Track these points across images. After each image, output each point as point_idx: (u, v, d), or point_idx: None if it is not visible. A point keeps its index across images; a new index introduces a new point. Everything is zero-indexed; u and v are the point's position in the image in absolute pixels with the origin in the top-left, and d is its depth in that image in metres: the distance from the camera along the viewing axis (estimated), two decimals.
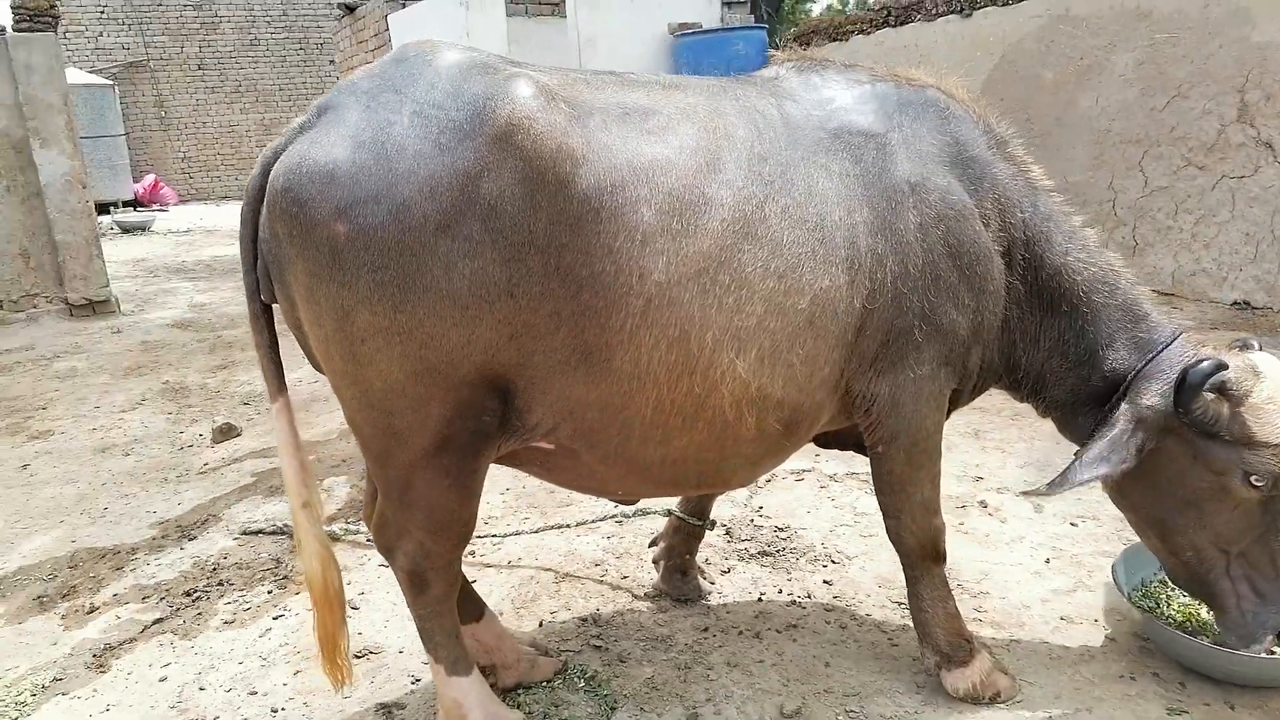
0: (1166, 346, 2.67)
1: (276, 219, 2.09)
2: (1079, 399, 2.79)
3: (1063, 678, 2.85)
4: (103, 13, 24.05)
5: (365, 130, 2.06)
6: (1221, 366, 2.46)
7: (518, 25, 10.75)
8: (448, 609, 2.52)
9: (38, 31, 9.85)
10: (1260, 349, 2.73)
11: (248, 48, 25.47)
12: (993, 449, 4.66)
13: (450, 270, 2.03)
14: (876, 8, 9.40)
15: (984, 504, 4.10)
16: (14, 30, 9.86)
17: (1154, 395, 2.57)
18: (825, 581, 3.51)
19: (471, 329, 2.08)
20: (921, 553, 2.73)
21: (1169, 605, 3.05)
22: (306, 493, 2.36)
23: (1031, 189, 2.75)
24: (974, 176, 2.62)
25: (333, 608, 2.39)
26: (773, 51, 2.85)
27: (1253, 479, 2.50)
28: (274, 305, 2.34)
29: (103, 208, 16.25)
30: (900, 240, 2.45)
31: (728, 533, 3.94)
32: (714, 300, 2.20)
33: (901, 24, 9.00)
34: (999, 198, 2.65)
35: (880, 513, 2.78)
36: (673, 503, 3.44)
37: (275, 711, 2.88)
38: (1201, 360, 2.48)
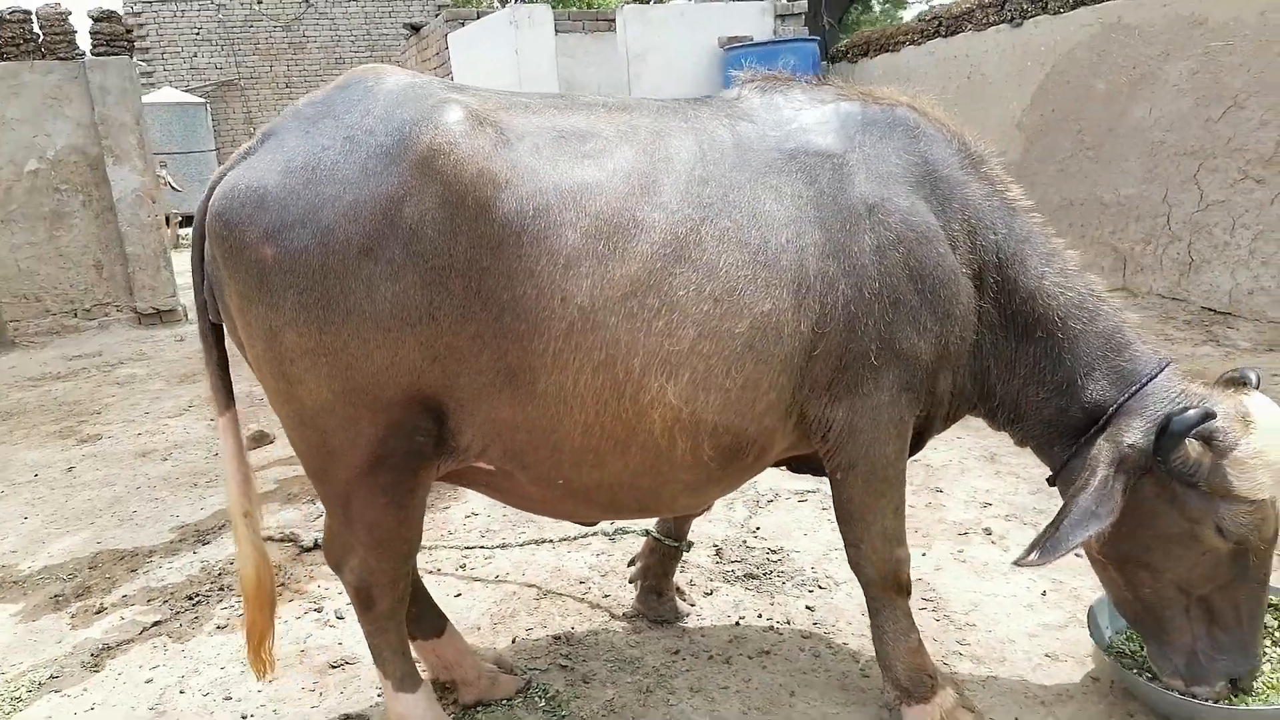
0: (1151, 379, 2.53)
1: (212, 241, 2.17)
2: (1056, 429, 2.66)
3: (1034, 718, 2.72)
4: (197, 34, 25.34)
5: (298, 156, 2.12)
6: (1208, 416, 2.32)
7: (567, 42, 10.90)
8: (395, 625, 2.56)
9: (114, 55, 10.38)
10: (1257, 383, 2.56)
11: (332, 66, 26.46)
12: (1006, 474, 4.49)
13: (372, 293, 2.07)
14: (928, 18, 9.21)
15: (988, 531, 3.95)
16: (92, 54, 10.42)
17: (1136, 433, 2.43)
18: (808, 607, 3.43)
19: (395, 350, 2.11)
20: (883, 584, 2.65)
21: None
22: (247, 503, 2.43)
23: (1007, 209, 2.64)
24: (942, 197, 2.54)
25: (263, 608, 2.47)
26: (734, 72, 2.79)
27: (1224, 532, 2.36)
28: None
29: (189, 219, 17.06)
30: (854, 263, 2.38)
31: (717, 553, 3.89)
32: (642, 324, 2.18)
33: (952, 34, 8.80)
34: (969, 219, 2.56)
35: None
36: (651, 523, 3.42)
37: (245, 718, 2.95)
38: (1188, 408, 2.35)
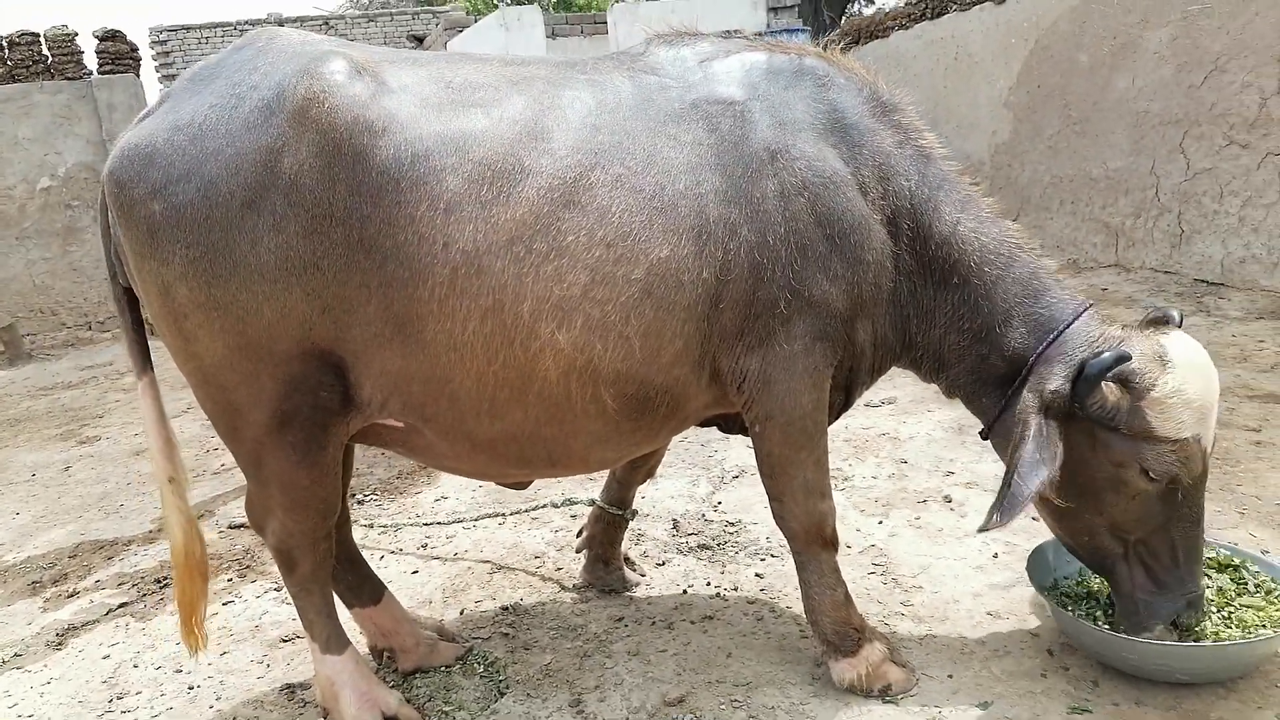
0: (1068, 326, 2.50)
1: (109, 201, 2.24)
2: (981, 379, 2.65)
3: (968, 673, 2.70)
4: (217, 49, 25.78)
5: (185, 114, 2.18)
6: (1123, 359, 2.29)
7: (565, 46, 10.97)
8: (319, 587, 2.60)
9: (119, 73, 10.64)
10: (1180, 322, 2.53)
11: None
12: (972, 444, 4.44)
13: (256, 245, 2.12)
14: (914, 1, 9.16)
15: (948, 498, 3.92)
16: (99, 73, 10.68)
17: (1057, 380, 2.40)
18: (757, 574, 3.43)
19: (283, 302, 2.16)
20: (807, 538, 2.64)
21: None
22: (171, 468, 2.48)
23: (921, 156, 2.63)
24: (852, 144, 2.54)
25: (193, 578, 2.50)
26: (645, 29, 2.82)
27: (1150, 473, 2.33)
28: None
29: None
30: (757, 209, 2.38)
31: (675, 526, 3.90)
32: (530, 269, 2.20)
33: (938, 15, 8.74)
34: (880, 165, 2.55)
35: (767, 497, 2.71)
36: (597, 493, 3.44)
37: (191, 689, 3.01)
38: (1102, 351, 2.33)
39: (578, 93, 2.41)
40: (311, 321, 2.19)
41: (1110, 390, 2.32)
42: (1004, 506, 2.35)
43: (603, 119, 2.35)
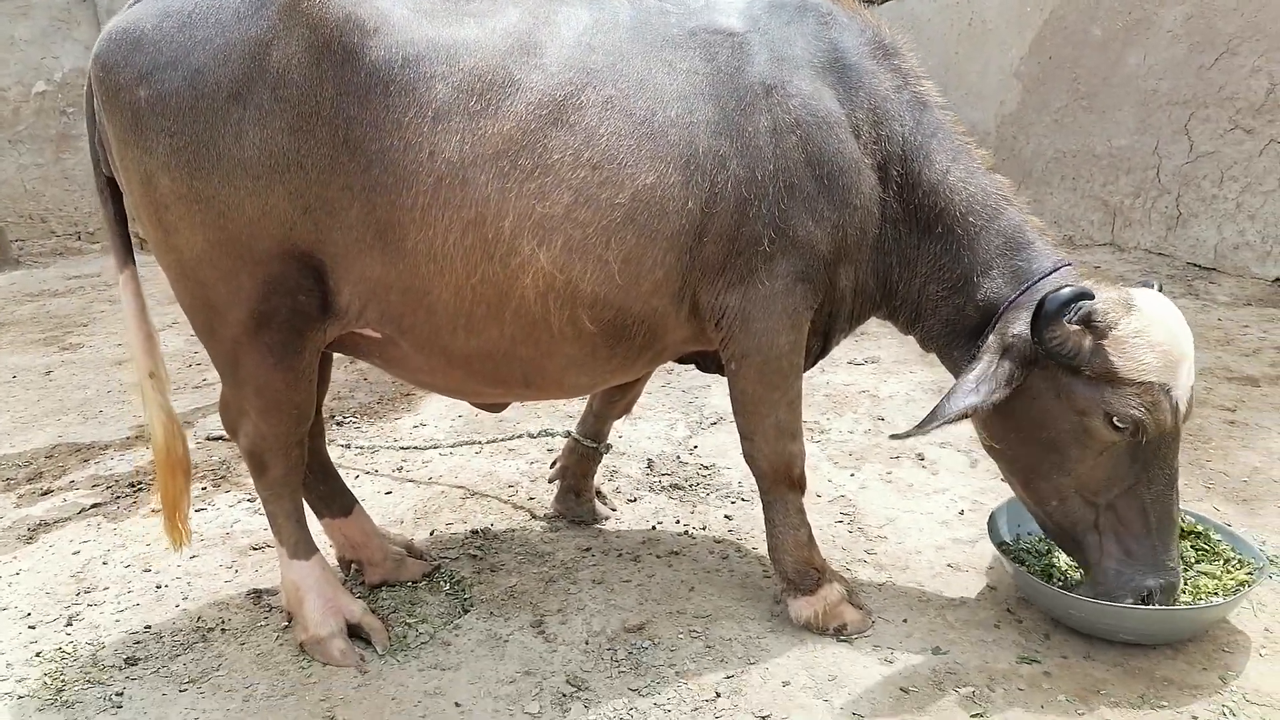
0: (1044, 277, 2.50)
1: (94, 86, 2.21)
2: (955, 330, 2.65)
3: (923, 619, 2.76)
4: None
5: (176, 1, 2.14)
6: (1084, 295, 2.29)
7: None
8: (289, 492, 2.62)
9: None
10: (1159, 289, 2.54)
11: None
12: None
13: (241, 138, 2.10)
14: None
15: (921, 456, 3.97)
16: None
17: (1021, 324, 2.41)
18: (726, 516, 3.47)
19: (265, 199, 2.14)
20: (774, 477, 2.67)
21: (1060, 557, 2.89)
22: (151, 363, 2.49)
23: (917, 103, 2.61)
24: (850, 85, 2.51)
25: (175, 475, 2.53)
26: None
27: (1115, 420, 2.33)
28: None
29: None
30: (748, 144, 2.36)
31: (649, 465, 3.93)
32: (514, 185, 2.19)
33: None
34: (876, 109, 2.53)
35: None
36: (573, 425, 3.46)
37: (159, 588, 3.05)
38: (1063, 287, 2.32)
39: (575, 10, 2.37)
40: (293, 221, 2.17)
41: (1072, 331, 2.31)
42: (924, 420, 2.40)
43: (598, 39, 2.32)
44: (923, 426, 2.39)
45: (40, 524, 3.55)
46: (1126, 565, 2.46)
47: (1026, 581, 2.69)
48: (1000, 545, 2.86)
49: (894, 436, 2.50)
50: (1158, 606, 2.44)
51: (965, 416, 2.38)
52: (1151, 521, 2.44)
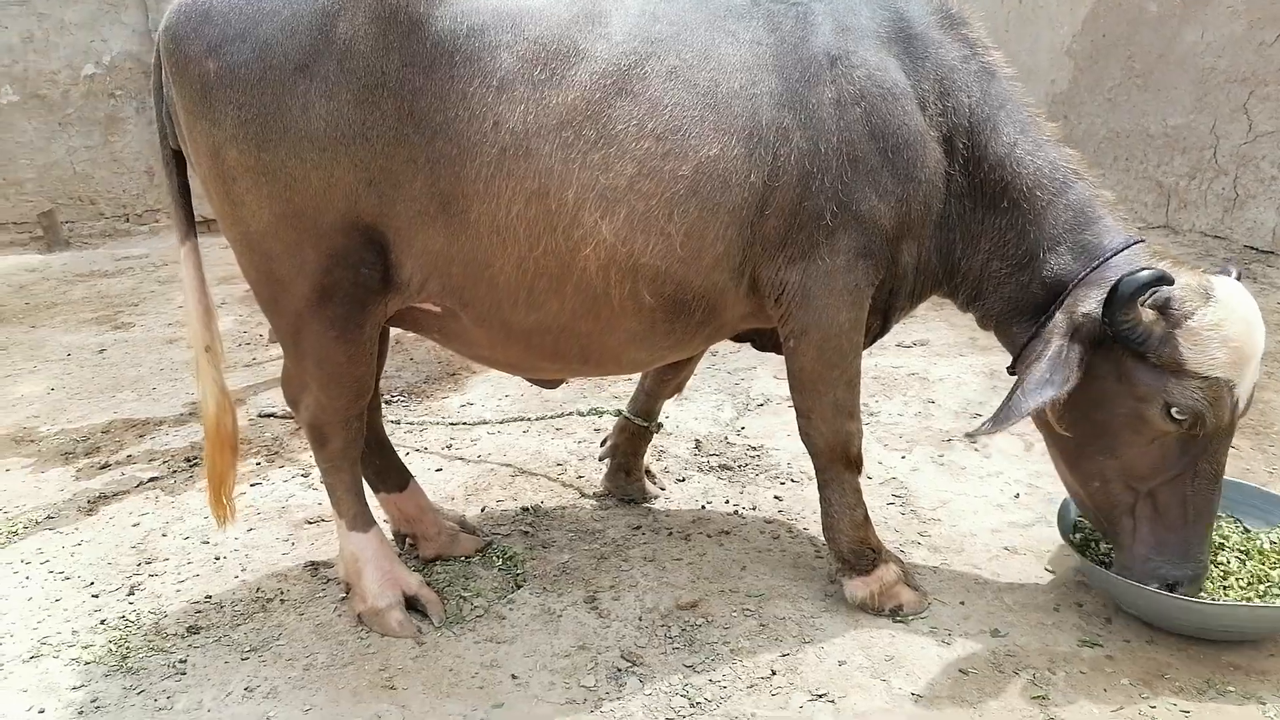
0: (1115, 254, 2.44)
1: (163, 58, 2.23)
2: (1017, 307, 2.60)
3: (981, 601, 2.72)
4: None
5: None
6: (1163, 279, 2.23)
7: None
8: (348, 465, 2.64)
9: None
10: (1237, 277, 2.46)
11: None
12: (1002, 389, 4.37)
13: (307, 110, 2.11)
14: None
15: (973, 439, 3.90)
16: None
17: (1091, 303, 2.36)
18: (776, 497, 3.45)
19: (330, 172, 2.15)
20: (831, 455, 2.65)
21: None
22: (209, 337, 2.51)
23: (985, 73, 2.55)
24: (916, 55, 2.46)
25: (223, 450, 2.55)
26: None
27: (1174, 411, 2.27)
28: None
29: None
30: (812, 115, 2.32)
31: (697, 446, 3.91)
32: (577, 156, 2.18)
33: None
34: (942, 80, 2.48)
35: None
36: (624, 404, 3.45)
37: (217, 559, 3.10)
38: (1140, 270, 2.26)
39: None
40: (357, 194, 2.18)
41: (1145, 314, 2.25)
42: (998, 416, 2.34)
43: (662, 8, 2.30)
44: (998, 423, 2.33)
45: (100, 496, 3.62)
46: (1155, 553, 2.41)
47: (1114, 585, 2.57)
48: (1065, 535, 2.79)
49: (968, 435, 2.44)
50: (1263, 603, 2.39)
51: (1042, 410, 2.31)
52: (1190, 514, 2.39)
